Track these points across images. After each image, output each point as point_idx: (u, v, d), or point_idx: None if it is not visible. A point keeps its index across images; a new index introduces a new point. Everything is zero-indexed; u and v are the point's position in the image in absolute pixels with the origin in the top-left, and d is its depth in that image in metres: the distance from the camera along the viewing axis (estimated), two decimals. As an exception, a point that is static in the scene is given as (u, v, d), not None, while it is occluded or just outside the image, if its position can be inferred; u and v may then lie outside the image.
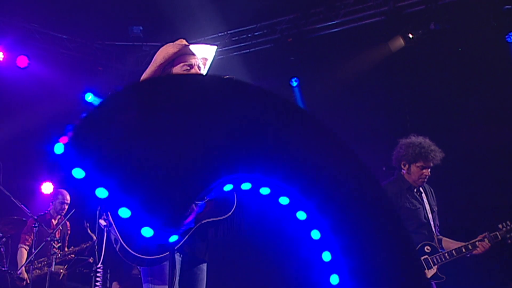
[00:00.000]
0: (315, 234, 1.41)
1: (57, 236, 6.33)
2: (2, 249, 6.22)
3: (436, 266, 4.55)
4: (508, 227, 4.58)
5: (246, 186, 1.48)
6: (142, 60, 8.81)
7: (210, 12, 7.73)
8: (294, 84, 8.00)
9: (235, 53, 8.32)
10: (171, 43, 3.16)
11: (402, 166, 4.76)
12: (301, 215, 1.43)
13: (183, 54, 3.15)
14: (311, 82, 7.94)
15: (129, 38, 8.74)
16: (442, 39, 6.97)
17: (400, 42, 7.17)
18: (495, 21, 6.53)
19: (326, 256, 1.42)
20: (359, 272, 1.33)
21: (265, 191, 1.45)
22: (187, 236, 2.98)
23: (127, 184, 1.28)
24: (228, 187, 1.47)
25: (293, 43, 7.73)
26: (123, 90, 1.37)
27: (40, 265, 6.45)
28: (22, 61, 8.45)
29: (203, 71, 3.25)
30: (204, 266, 3.26)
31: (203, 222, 3.02)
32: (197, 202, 2.72)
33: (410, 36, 7.11)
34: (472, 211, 6.51)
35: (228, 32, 8.19)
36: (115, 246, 3.20)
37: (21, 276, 6.32)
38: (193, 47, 3.17)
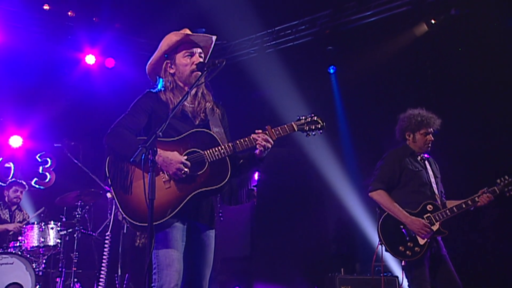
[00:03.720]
0: None
1: None
2: (86, 215, 7.12)
3: (438, 223, 4.79)
4: (506, 181, 4.78)
5: None
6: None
7: (259, 12, 8.92)
8: (331, 71, 8.94)
9: (282, 46, 9.42)
10: (174, 32, 3.46)
11: (407, 137, 5.17)
12: None
13: (185, 43, 3.43)
14: (346, 69, 8.83)
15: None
16: (462, 23, 7.54)
17: (424, 27, 7.82)
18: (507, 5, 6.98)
19: None
20: None
21: None
22: (181, 206, 3.10)
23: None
24: None
25: (330, 35, 8.70)
26: None
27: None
28: (110, 62, 10.24)
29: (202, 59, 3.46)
30: (212, 233, 3.33)
31: (199, 191, 3.13)
32: None
33: (433, 21, 7.73)
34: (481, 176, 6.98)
35: (275, 28, 9.32)
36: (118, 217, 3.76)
37: None
38: (194, 37, 3.44)
